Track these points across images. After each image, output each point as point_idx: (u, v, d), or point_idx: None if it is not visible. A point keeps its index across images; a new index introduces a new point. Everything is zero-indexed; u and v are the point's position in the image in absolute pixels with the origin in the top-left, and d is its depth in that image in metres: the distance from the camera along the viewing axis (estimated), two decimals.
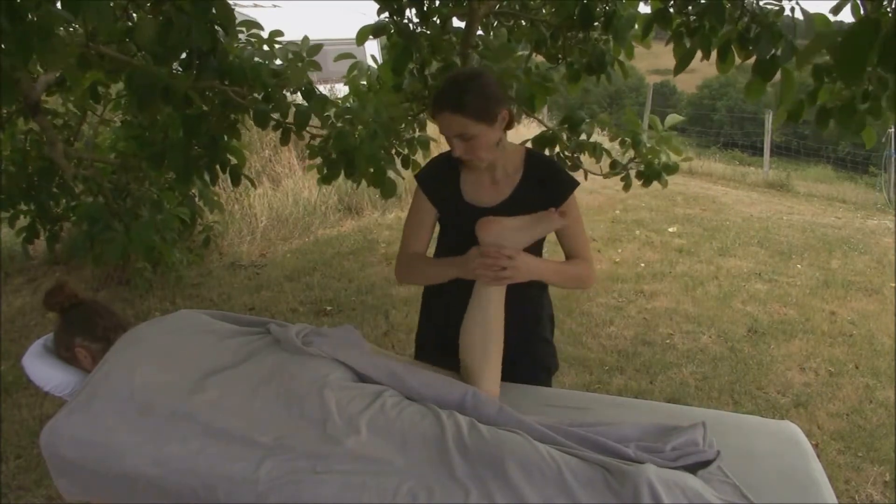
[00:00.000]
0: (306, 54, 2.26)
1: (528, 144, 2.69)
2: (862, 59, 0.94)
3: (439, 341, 1.61)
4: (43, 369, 1.43)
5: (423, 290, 1.72)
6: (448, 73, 1.60)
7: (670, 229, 5.73)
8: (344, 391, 1.27)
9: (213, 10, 1.77)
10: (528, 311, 1.63)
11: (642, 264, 4.79)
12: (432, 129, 3.21)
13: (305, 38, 2.36)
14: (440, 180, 1.58)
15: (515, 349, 1.54)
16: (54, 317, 1.50)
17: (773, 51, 1.95)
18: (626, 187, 2.69)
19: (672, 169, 2.60)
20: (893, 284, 4.37)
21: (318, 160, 2.56)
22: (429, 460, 1.13)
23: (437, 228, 1.65)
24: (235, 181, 2.51)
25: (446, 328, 1.55)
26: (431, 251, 1.65)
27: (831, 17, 1.94)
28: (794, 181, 8.95)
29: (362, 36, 2.49)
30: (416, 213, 1.61)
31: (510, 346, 1.48)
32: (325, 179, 2.62)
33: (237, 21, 2.20)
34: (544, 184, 1.53)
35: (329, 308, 3.96)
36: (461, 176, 1.56)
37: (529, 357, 1.66)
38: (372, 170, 2.40)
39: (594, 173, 2.74)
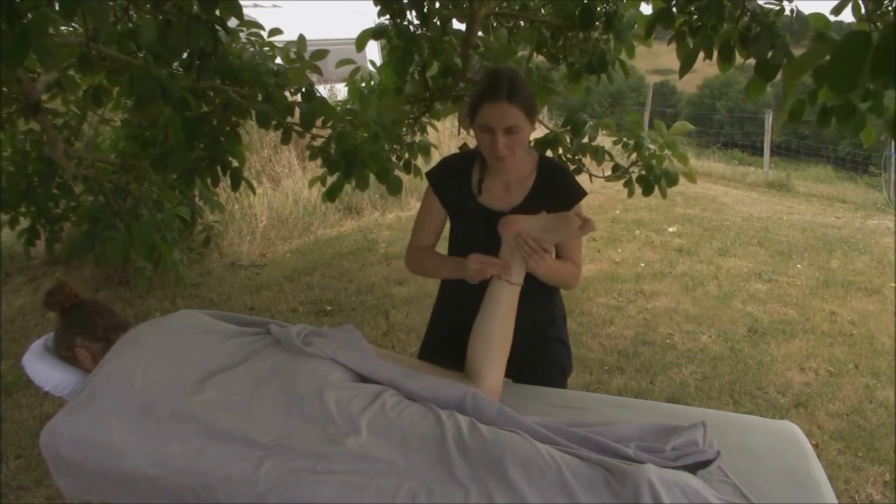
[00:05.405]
0: (309, 58, 2.25)
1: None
2: (854, 73, 0.96)
3: (441, 335, 1.69)
4: (43, 369, 1.43)
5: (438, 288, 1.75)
6: (488, 70, 1.59)
7: (670, 229, 5.73)
8: (344, 391, 1.27)
9: (217, 12, 1.77)
10: (542, 312, 1.64)
11: (642, 264, 4.79)
12: (433, 133, 3.20)
13: (301, 38, 2.35)
14: (453, 180, 1.57)
15: (531, 349, 1.54)
16: (54, 317, 1.50)
17: (771, 51, 1.95)
18: (630, 193, 2.64)
19: (672, 178, 2.53)
20: (893, 284, 4.37)
21: (321, 173, 2.55)
22: (429, 460, 1.13)
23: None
24: (235, 185, 2.50)
25: (448, 325, 1.63)
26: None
27: (832, 18, 1.94)
28: (794, 181, 8.94)
29: (362, 41, 2.48)
30: (425, 211, 1.62)
31: (526, 346, 1.48)
32: (330, 195, 2.60)
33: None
34: (555, 191, 1.53)
35: (329, 308, 3.96)
36: (474, 177, 1.56)
37: (545, 357, 1.67)
38: (376, 169, 2.40)
39: (597, 176, 2.73)
